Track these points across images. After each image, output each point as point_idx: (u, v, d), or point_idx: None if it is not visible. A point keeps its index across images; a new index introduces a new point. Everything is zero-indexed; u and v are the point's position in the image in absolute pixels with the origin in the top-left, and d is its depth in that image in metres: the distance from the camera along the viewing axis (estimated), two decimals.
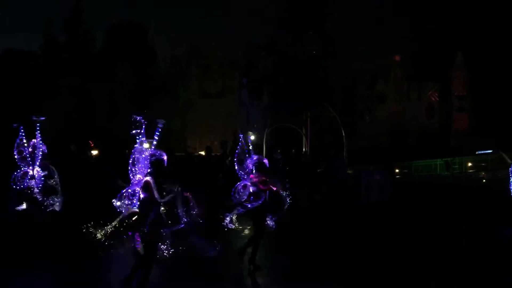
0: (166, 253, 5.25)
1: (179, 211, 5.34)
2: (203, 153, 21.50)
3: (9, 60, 36.14)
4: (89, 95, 34.75)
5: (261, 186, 6.95)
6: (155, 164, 5.38)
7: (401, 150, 31.66)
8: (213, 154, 17.01)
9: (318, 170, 18.40)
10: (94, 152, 17.49)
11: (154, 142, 5.47)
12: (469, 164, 27.92)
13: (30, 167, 7.25)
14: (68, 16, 38.61)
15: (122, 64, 35.45)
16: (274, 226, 7.14)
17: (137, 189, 5.34)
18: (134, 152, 5.47)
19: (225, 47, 36.34)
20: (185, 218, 5.33)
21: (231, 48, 36.24)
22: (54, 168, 7.58)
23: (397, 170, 26.64)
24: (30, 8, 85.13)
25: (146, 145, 5.57)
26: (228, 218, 7.02)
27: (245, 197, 6.90)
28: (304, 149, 28.47)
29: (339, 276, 7.13)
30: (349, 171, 20.43)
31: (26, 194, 7.20)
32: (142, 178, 5.37)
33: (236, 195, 6.89)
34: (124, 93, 35.40)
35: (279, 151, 18.62)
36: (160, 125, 5.44)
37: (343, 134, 24.16)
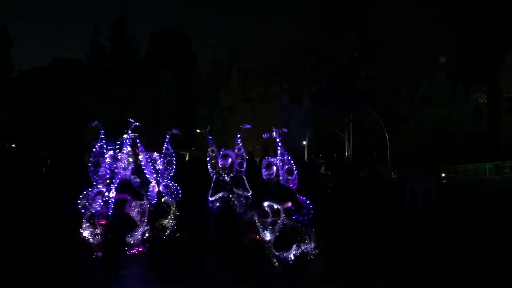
0: None
1: None
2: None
3: (58, 69, 37.65)
4: (134, 102, 35.62)
5: None
6: None
7: (448, 153, 30.64)
8: (254, 158, 17.01)
9: (361, 175, 18.06)
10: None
11: None
12: None
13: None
14: (113, 25, 39.83)
15: (165, 71, 36.17)
16: None
17: None
18: None
19: (265, 52, 36.36)
20: None
21: (271, 53, 36.24)
22: None
23: (443, 174, 25.77)
24: (77, 19, 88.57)
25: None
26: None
27: None
28: (346, 153, 28.06)
29: (390, 280, 6.94)
30: (393, 176, 19.94)
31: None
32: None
33: None
34: (167, 99, 36.10)
35: (320, 155, 18.41)
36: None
37: (387, 137, 23.64)
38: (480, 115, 38.48)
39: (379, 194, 14.24)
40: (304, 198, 5.95)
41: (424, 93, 38.12)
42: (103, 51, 40.00)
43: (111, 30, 39.80)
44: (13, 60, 39.47)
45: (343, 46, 31.21)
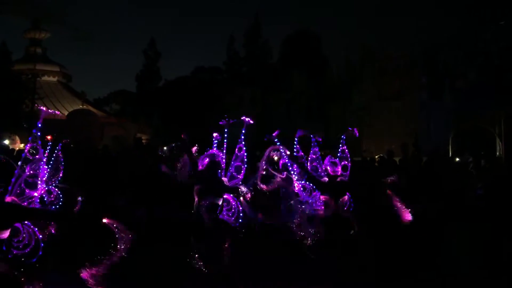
0: None
1: None
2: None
3: (199, 76, 40.44)
4: (269, 105, 36.59)
5: None
6: None
7: None
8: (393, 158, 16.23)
9: None
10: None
11: None
12: None
13: None
14: (247, 33, 41.57)
15: (298, 74, 36.53)
16: None
17: None
18: None
19: (402, 46, 34.51)
20: None
21: (408, 46, 34.32)
22: None
23: None
24: (214, 27, 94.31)
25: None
26: None
27: None
28: (498, 153, 25.38)
29: None
30: None
31: None
32: None
33: None
34: (300, 101, 36.40)
35: (467, 153, 16.91)
36: None
37: None
38: None
39: None
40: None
41: None
42: (238, 58, 41.94)
43: (245, 37, 41.56)
44: (161, 70, 43.49)
45: (494, 35, 28.21)
